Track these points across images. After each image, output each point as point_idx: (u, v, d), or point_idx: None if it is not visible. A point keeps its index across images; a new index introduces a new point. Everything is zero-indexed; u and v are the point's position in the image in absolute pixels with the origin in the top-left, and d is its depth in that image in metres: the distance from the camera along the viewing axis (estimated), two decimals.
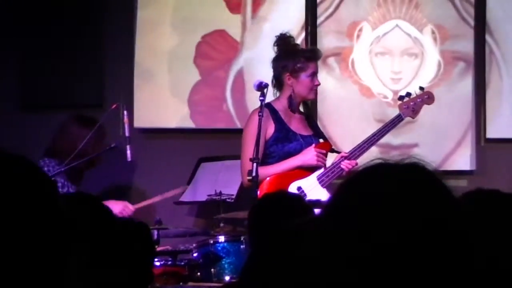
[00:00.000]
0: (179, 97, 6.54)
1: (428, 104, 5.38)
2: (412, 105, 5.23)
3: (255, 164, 4.59)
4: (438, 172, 1.35)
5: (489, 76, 6.48)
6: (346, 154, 4.98)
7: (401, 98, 5.33)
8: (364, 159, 4.86)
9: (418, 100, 5.29)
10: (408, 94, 5.32)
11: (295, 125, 5.00)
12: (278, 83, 4.90)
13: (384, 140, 6.15)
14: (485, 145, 6.50)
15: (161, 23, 6.61)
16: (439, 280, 1.27)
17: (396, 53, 6.54)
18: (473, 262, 1.33)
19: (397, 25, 6.54)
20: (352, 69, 6.52)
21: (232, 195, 5.51)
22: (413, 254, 1.25)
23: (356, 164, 4.94)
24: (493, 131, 6.48)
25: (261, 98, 4.78)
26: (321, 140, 5.18)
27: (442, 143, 6.47)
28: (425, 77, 6.46)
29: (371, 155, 5.26)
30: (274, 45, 5.10)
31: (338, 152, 5.06)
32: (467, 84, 6.49)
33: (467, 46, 6.49)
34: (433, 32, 6.51)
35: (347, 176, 1.28)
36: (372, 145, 5.06)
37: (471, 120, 6.49)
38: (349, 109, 6.37)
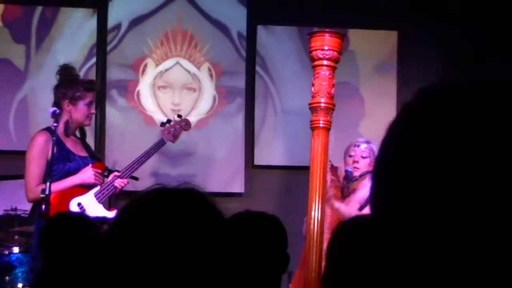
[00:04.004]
0: None
1: (186, 130, 5.53)
2: (172, 130, 5.37)
3: (48, 183, 4.57)
4: (209, 195, 1.40)
5: (266, 112, 6.77)
6: (119, 174, 5.03)
7: (162, 124, 5.45)
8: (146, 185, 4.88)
9: (178, 126, 5.43)
10: (169, 121, 5.47)
11: (72, 147, 5.00)
12: (58, 108, 4.83)
13: (162, 171, 6.31)
14: (253, 171, 6.73)
15: None
16: None
17: (177, 87, 6.75)
18: (242, 276, 1.41)
19: (178, 62, 6.75)
20: (137, 100, 6.65)
21: (26, 210, 5.44)
22: (187, 272, 1.29)
23: (128, 182, 5.01)
24: (261, 159, 6.75)
25: (55, 124, 4.74)
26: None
27: (217, 171, 6.68)
28: (201, 109, 6.75)
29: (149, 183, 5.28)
30: (56, 74, 5.05)
31: (112, 171, 5.00)
32: (240, 117, 6.69)
33: (243, 83, 6.66)
34: (209, 69, 6.75)
35: (132, 198, 1.36)
36: (141, 165, 5.13)
37: (242, 148, 6.72)
38: (134, 136, 6.44)
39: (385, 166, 0.86)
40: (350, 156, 4.92)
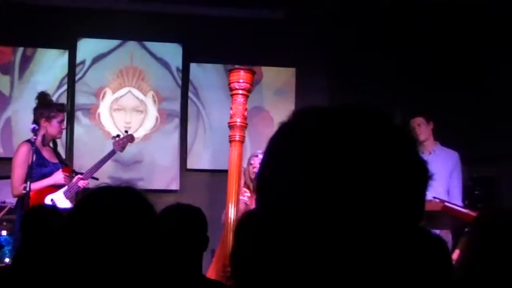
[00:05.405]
0: None
1: (131, 142, 5.54)
2: (121, 143, 5.39)
3: (28, 182, 4.64)
4: (143, 191, 1.44)
5: (197, 130, 6.77)
6: (82, 176, 4.98)
7: (113, 138, 5.50)
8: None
9: (125, 139, 5.45)
10: (118, 135, 5.50)
11: (47, 155, 4.98)
12: (37, 125, 4.83)
13: (117, 175, 6.33)
14: (186, 173, 6.77)
15: None
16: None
17: (128, 110, 6.76)
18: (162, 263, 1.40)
19: (129, 91, 6.77)
20: (98, 119, 6.64)
21: (12, 203, 5.34)
22: (114, 260, 1.31)
23: (88, 182, 4.99)
24: (192, 164, 6.79)
25: (34, 137, 4.78)
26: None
27: (159, 174, 6.69)
28: (147, 127, 6.78)
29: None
30: (35, 99, 5.03)
31: (77, 173, 5.02)
32: (177, 133, 6.78)
33: (179, 107, 6.74)
34: (153, 96, 6.77)
35: (83, 193, 1.39)
36: (98, 169, 5.11)
37: (177, 156, 6.75)
38: (95, 146, 6.38)
39: (263, 171, 0.83)
40: (251, 164, 5.00)
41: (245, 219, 2.08)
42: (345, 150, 0.76)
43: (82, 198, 1.47)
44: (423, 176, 0.80)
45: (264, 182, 0.82)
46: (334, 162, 0.76)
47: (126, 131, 5.61)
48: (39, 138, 4.87)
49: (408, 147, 0.80)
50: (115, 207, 1.37)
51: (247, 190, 4.87)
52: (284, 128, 0.83)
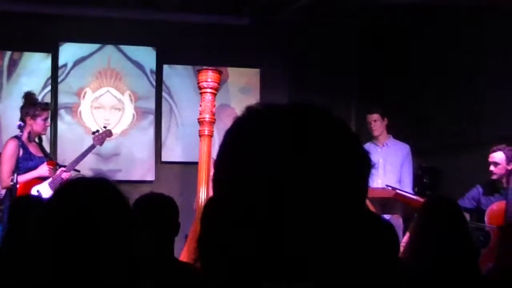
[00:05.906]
0: None
1: (109, 136, 5.56)
2: (100, 137, 5.39)
3: (15, 175, 4.63)
4: (115, 181, 1.43)
5: (170, 126, 6.73)
6: (65, 168, 4.96)
7: (93, 133, 5.51)
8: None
9: (103, 134, 5.46)
10: (97, 131, 5.51)
11: (33, 150, 5.00)
12: (23, 122, 4.78)
13: (97, 166, 6.29)
14: (161, 165, 6.74)
15: None
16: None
17: (107, 108, 6.68)
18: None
19: (108, 91, 6.69)
20: (79, 117, 6.56)
21: (1, 194, 5.24)
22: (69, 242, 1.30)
23: (71, 174, 4.98)
24: (166, 157, 6.76)
25: (20, 133, 4.80)
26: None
27: (136, 166, 6.67)
28: (124, 123, 6.72)
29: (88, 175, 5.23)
30: (22, 97, 5.04)
31: (61, 166, 5.01)
32: (152, 129, 6.74)
33: (153, 105, 6.70)
34: (130, 95, 6.71)
35: (64, 183, 1.39)
36: (79, 162, 5.12)
37: (153, 150, 6.71)
38: (77, 142, 6.28)
39: (220, 162, 0.82)
40: None
41: (210, 205, 2.07)
42: (294, 142, 0.76)
43: (59, 188, 1.47)
44: (365, 165, 0.81)
45: (220, 172, 0.81)
46: (284, 154, 0.76)
47: (105, 127, 5.58)
48: (25, 134, 4.86)
49: (351, 140, 0.80)
50: (89, 195, 1.37)
51: None
52: (238, 123, 0.82)
